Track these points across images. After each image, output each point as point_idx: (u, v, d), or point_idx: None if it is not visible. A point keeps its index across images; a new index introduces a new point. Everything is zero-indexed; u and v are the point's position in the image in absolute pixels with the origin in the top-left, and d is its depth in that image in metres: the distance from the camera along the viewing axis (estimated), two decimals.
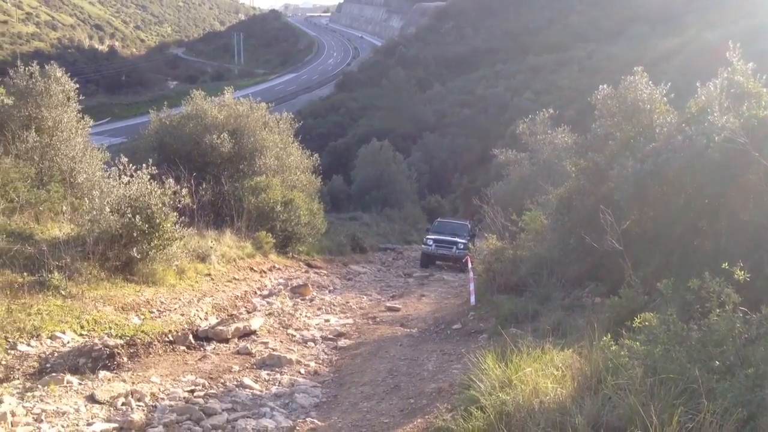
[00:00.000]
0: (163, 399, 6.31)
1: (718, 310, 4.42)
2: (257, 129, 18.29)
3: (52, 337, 7.59)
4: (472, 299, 10.59)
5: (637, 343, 4.62)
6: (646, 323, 4.80)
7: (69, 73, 14.23)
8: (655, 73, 11.49)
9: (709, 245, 6.93)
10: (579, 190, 10.17)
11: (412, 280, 17.10)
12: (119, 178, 11.23)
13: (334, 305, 12.14)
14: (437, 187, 41.57)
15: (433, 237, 20.38)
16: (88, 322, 8.36)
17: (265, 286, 12.97)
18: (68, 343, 7.52)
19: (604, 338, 5.00)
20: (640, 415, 3.86)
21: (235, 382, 7.06)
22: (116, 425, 5.48)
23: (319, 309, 11.65)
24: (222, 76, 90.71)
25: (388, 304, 12.40)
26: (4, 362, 6.71)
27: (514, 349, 5.51)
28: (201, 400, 6.37)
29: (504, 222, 12.84)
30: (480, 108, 53.35)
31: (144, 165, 11.15)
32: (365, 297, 13.44)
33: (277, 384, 7.27)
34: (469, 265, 12.06)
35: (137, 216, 10.32)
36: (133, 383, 6.60)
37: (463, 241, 19.54)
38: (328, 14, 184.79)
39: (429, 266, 20.09)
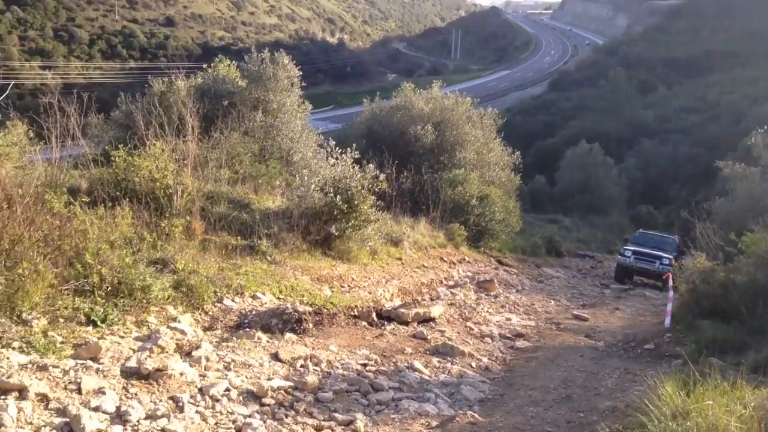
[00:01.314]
0: (337, 368, 6.67)
1: None
2: (461, 123, 18.50)
3: (254, 297, 8.38)
4: (667, 321, 9.72)
5: None
6: None
7: (302, 63, 15.46)
8: None
9: None
10: None
11: (609, 292, 16.14)
12: (326, 160, 12.07)
13: (518, 305, 11.90)
14: (651, 197, 38.64)
15: (632, 248, 18.40)
16: (286, 288, 9.12)
17: (452, 276, 13.11)
18: (265, 303, 8.25)
19: None
20: None
21: (406, 364, 7.23)
22: (292, 384, 5.91)
23: (502, 306, 11.50)
24: (437, 70, 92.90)
25: (575, 312, 11.85)
26: (210, 313, 7.57)
27: (699, 379, 4.96)
28: (371, 375, 6.63)
29: (718, 241, 11.55)
30: (710, 115, 48.52)
31: (348, 149, 11.83)
32: (553, 301, 12.98)
33: (446, 372, 7.32)
34: (670, 283, 11.05)
35: (338, 196, 11.01)
36: (313, 348, 7.07)
37: (669, 256, 17.33)
38: (550, 11, 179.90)
39: (625, 281, 18.35)
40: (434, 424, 5.77)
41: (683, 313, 9.99)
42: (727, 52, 65.59)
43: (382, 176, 12.13)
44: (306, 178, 11.53)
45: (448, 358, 7.79)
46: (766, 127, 17.44)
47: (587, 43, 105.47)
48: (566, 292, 14.68)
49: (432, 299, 10.95)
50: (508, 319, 10.57)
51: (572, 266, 20.26)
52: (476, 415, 5.97)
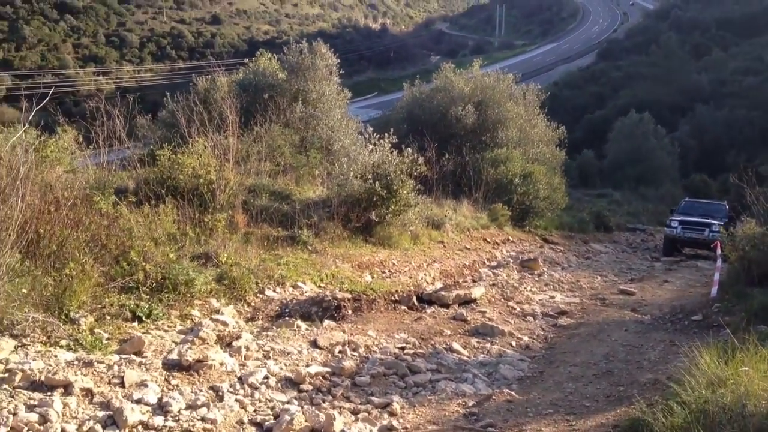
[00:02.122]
0: (375, 352, 6.79)
1: None
2: (502, 101, 18.30)
3: (294, 286, 8.58)
4: (713, 291, 9.47)
5: None
6: None
7: (345, 51, 15.69)
8: None
9: None
10: None
11: (659, 265, 15.75)
12: (365, 147, 12.16)
13: (562, 282, 11.78)
14: (706, 165, 37.26)
15: (678, 218, 17.60)
16: (326, 276, 9.29)
17: (495, 257, 13.05)
18: (306, 292, 8.44)
19: None
20: None
21: (444, 346, 7.30)
22: (329, 370, 6.06)
23: (545, 285, 11.41)
24: (482, 49, 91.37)
25: (621, 287, 11.65)
26: (253, 304, 7.80)
27: (739, 347, 4.88)
28: (409, 358, 6.72)
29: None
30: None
31: (386, 134, 11.89)
32: (599, 277, 12.78)
33: (485, 352, 7.35)
34: (718, 252, 10.70)
35: (377, 182, 11.09)
36: (352, 334, 7.20)
37: (719, 223, 16.36)
38: None
39: (674, 254, 17.56)
40: (471, 403, 5.84)
41: (732, 281, 9.73)
42: None
43: (420, 159, 12.13)
44: (345, 165, 11.65)
45: (488, 338, 7.81)
46: None
47: (631, 3, 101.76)
48: (614, 268, 14.42)
49: (474, 281, 10.95)
50: (552, 297, 10.49)
51: (621, 241, 19.84)
52: (513, 393, 6.02)
